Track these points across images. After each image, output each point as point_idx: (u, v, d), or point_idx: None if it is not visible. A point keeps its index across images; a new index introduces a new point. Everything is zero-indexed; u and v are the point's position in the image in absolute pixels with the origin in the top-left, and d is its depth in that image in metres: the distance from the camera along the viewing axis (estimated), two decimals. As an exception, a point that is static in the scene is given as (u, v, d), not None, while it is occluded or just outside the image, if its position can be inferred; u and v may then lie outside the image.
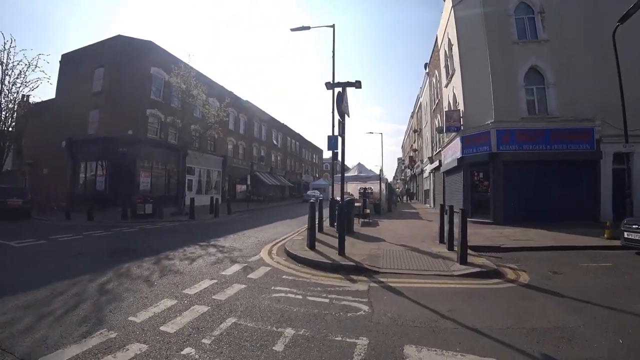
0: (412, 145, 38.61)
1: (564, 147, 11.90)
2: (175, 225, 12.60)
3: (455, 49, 14.60)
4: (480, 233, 9.89)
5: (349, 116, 6.46)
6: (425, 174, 26.98)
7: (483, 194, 12.79)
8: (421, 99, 29.45)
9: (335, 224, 10.14)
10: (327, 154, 78.69)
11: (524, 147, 12.10)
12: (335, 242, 7.56)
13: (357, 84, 6.28)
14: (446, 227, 8.03)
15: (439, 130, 17.65)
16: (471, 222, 12.22)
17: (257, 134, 35.54)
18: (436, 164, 19.74)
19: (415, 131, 34.04)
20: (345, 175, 21.41)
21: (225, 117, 17.21)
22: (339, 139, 11.59)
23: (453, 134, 14.88)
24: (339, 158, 8.57)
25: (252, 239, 8.87)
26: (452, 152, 15.02)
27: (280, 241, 8.43)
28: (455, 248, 6.91)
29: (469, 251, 5.98)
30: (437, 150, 20.36)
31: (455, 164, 13.91)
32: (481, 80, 12.95)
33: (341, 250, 6.25)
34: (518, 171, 12.13)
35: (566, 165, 11.83)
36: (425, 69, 25.19)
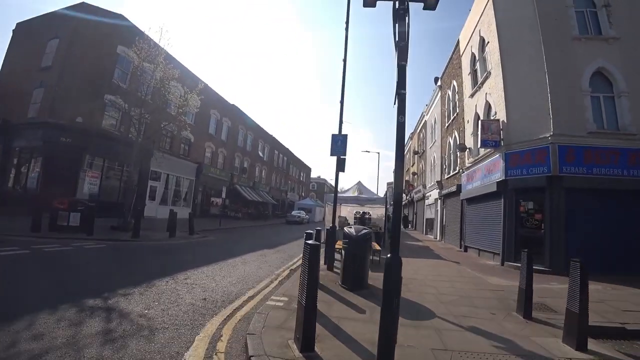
0: (408, 168, 35.65)
1: (647, 174, 8.86)
2: (99, 247, 8.57)
3: (492, 46, 11.70)
4: (549, 290, 6.48)
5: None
6: (429, 201, 23.72)
7: (533, 231, 9.47)
8: (426, 117, 26.69)
9: (341, 270, 6.41)
10: (315, 173, 74.74)
11: (594, 171, 8.97)
12: (347, 315, 3.81)
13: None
14: (534, 288, 4.60)
15: (461, 148, 14.52)
16: (513, 268, 8.96)
17: (241, 143, 31.81)
18: (452, 189, 16.47)
19: (416, 153, 31.08)
20: (343, 195, 17.43)
21: (197, 107, 13.54)
22: (346, 137, 8.15)
23: (485, 151, 11.72)
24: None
25: (195, 292, 4.95)
26: (485, 174, 11.77)
27: (245, 302, 4.61)
28: (591, 347, 3.44)
29: None
30: (451, 173, 17.20)
31: (494, 188, 10.59)
32: (531, 83, 10.02)
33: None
34: (585, 202, 8.93)
35: (651, 198, 8.73)
36: (436, 82, 22.52)
